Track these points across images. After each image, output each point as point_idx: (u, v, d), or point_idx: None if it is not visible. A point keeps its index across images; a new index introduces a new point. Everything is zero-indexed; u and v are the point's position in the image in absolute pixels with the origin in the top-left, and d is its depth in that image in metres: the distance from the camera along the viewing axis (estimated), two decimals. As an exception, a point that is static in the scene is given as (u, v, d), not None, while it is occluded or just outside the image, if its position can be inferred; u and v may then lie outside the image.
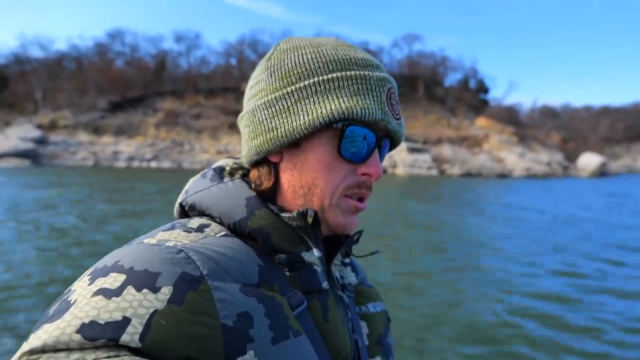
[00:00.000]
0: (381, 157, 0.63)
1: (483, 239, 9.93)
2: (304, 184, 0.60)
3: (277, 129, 0.59)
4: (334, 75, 0.58)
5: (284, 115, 0.59)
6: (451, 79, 72.13)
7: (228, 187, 0.62)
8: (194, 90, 55.20)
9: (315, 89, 0.57)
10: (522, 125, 67.72)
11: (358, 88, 0.58)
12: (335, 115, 0.56)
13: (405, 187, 26.78)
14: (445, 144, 53.10)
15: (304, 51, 0.60)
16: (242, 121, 0.66)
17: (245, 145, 0.64)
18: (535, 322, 5.00)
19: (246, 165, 0.67)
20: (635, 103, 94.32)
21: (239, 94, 55.54)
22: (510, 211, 15.36)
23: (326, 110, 0.56)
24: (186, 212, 0.64)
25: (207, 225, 0.58)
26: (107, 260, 0.48)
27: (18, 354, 0.39)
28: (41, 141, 43.30)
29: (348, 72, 0.58)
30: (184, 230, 0.55)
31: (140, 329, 0.40)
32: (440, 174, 46.54)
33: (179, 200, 0.65)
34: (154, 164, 41.65)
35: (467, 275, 6.88)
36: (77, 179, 22.73)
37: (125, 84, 53.75)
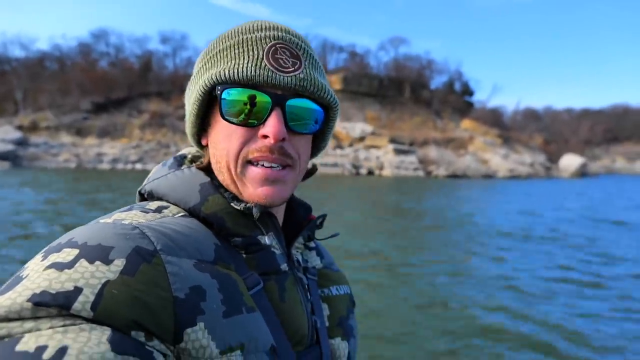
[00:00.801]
0: (305, 120, 0.60)
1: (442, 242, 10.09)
2: (217, 159, 0.62)
3: (186, 113, 0.65)
4: (216, 50, 0.61)
5: (188, 100, 0.64)
6: (437, 82, 73.20)
7: (184, 174, 0.63)
8: (180, 91, 53.84)
9: (204, 68, 0.62)
10: (506, 128, 69.03)
11: (234, 53, 0.58)
12: (207, 83, 0.57)
13: (379, 188, 26.93)
14: (431, 146, 53.68)
15: (211, 42, 0.65)
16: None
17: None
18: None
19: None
20: (614, 106, 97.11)
21: (225, 95, 54.80)
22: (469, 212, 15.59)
23: (201, 81, 0.59)
24: (145, 199, 0.65)
25: (166, 207, 0.59)
26: (62, 238, 0.48)
27: None
28: (21, 143, 42.25)
29: (226, 43, 0.60)
30: (142, 211, 0.56)
31: (92, 298, 0.41)
32: (427, 175, 47.02)
33: (139, 188, 0.67)
34: (139, 166, 41.05)
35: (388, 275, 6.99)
36: (56, 181, 22.26)
37: (110, 85, 52.87)
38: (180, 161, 0.68)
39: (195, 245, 0.53)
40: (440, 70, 73.31)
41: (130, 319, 0.42)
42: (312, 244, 0.77)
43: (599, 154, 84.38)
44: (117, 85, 53.23)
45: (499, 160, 54.29)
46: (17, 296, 0.40)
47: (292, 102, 0.58)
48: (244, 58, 0.57)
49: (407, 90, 64.84)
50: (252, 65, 0.56)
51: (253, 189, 0.60)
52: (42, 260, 0.44)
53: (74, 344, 0.37)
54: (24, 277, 0.43)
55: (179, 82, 56.10)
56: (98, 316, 0.40)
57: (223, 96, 0.57)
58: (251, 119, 0.57)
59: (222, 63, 0.59)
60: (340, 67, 66.66)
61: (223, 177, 0.62)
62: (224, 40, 0.61)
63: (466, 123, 63.85)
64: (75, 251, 0.44)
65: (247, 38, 0.59)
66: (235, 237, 0.59)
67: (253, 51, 0.57)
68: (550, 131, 78.24)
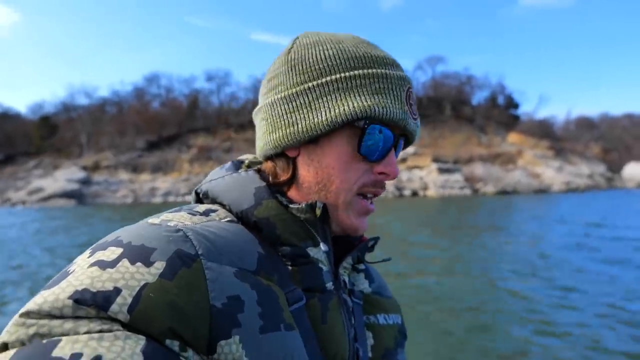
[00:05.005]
0: (396, 155, 0.63)
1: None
2: (320, 180, 0.60)
3: (297, 124, 0.58)
4: (356, 72, 0.57)
5: (304, 111, 0.58)
6: (478, 97, 71.55)
7: (240, 176, 0.62)
8: (225, 125, 57.62)
9: (337, 85, 0.57)
10: (557, 139, 65.37)
11: (379, 87, 0.58)
12: (358, 113, 0.56)
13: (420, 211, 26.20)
14: (477, 162, 51.98)
15: (325, 47, 0.60)
16: (259, 114, 0.65)
17: (262, 138, 0.63)
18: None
19: (260, 158, 0.67)
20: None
21: (267, 125, 57.22)
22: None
23: (348, 108, 0.56)
24: (201, 199, 0.65)
25: (214, 211, 0.58)
26: (110, 236, 0.49)
27: (16, 316, 0.40)
28: (85, 181, 46.22)
29: (369, 70, 0.58)
30: (189, 213, 0.55)
31: (129, 300, 0.41)
32: (474, 193, 45.37)
33: (195, 188, 0.66)
34: (188, 198, 42.64)
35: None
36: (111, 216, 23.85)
37: (161, 124, 57.04)
38: (237, 165, 0.68)
39: (238, 253, 0.52)
40: (481, 85, 71.77)
41: (166, 326, 0.42)
42: (361, 266, 0.73)
43: (669, 160, 77.15)
44: (168, 123, 57.25)
45: (553, 173, 51.38)
46: (60, 292, 0.41)
47: (399, 143, 0.62)
48: (391, 99, 0.58)
49: (447, 108, 63.79)
50: (399, 108, 0.58)
51: (354, 218, 0.61)
52: (89, 257, 0.46)
53: (108, 354, 0.38)
54: (70, 272, 0.44)
55: (223, 117, 59.28)
56: (134, 320, 0.41)
57: (368, 131, 0.57)
58: (376, 156, 0.59)
59: (369, 94, 0.57)
60: (377, 90, 66.93)
61: (317, 197, 0.61)
62: (355, 61, 0.59)
63: (513, 137, 61.42)
64: (119, 250, 0.45)
65: (387, 74, 0.58)
66: (283, 246, 0.57)
67: (396, 92, 0.58)
68: (608, 139, 73.04)
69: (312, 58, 0.59)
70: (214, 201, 0.62)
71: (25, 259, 10.54)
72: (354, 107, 0.56)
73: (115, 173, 50.39)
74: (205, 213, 0.57)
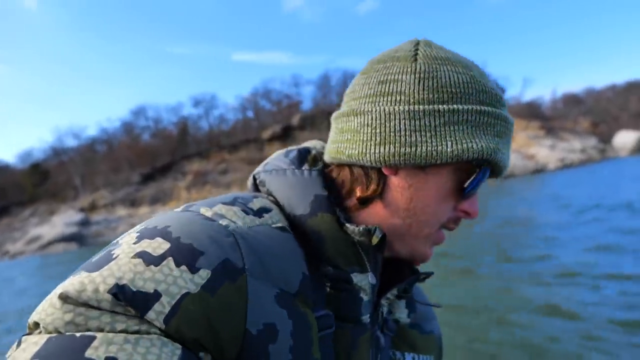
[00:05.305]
0: None
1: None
2: (412, 207, 0.56)
3: (416, 145, 0.52)
4: (485, 109, 0.54)
5: (427, 135, 0.52)
6: (463, 88, 71.73)
7: (303, 176, 0.57)
8: (218, 148, 57.52)
9: (467, 117, 0.53)
10: (546, 118, 66.03)
11: (500, 130, 0.55)
12: (484, 154, 0.52)
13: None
14: (471, 152, 52.17)
15: (457, 69, 0.55)
16: (360, 117, 0.56)
17: (359, 146, 0.55)
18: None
19: (329, 159, 0.61)
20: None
21: (260, 143, 57.61)
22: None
23: (476, 145, 0.52)
24: (257, 186, 0.62)
25: (268, 210, 0.54)
26: (159, 221, 0.47)
27: (53, 296, 0.40)
28: (84, 223, 45.77)
29: (496, 110, 0.55)
30: (243, 210, 0.51)
31: (167, 309, 0.40)
32: (472, 182, 45.36)
33: (255, 171, 0.62)
34: (190, 225, 42.91)
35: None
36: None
37: (154, 155, 56.85)
38: (303, 156, 0.62)
39: (283, 271, 0.48)
40: (463, 75, 72.21)
41: (198, 341, 0.41)
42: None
43: (657, 125, 78.07)
44: (160, 153, 57.11)
45: (547, 152, 51.71)
46: (100, 282, 0.39)
47: None
48: (506, 143, 0.56)
49: (434, 102, 64.02)
50: (508, 157, 0.56)
51: (428, 248, 0.60)
52: (135, 243, 0.44)
53: None
54: (113, 256, 0.42)
55: (215, 140, 59.32)
56: (168, 329, 0.39)
57: (481, 174, 0.54)
58: (469, 195, 0.57)
59: (493, 136, 0.54)
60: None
61: (400, 222, 0.57)
62: (485, 96, 0.55)
63: (502, 122, 61.87)
64: (166, 245, 0.43)
65: (507, 118, 0.56)
66: (328, 266, 0.53)
67: (509, 138, 0.57)
68: (595, 112, 73.91)
69: (445, 78, 0.54)
70: (269, 193, 0.59)
71: (22, 306, 10.32)
72: (482, 146, 0.52)
73: (113, 210, 49.99)
74: (259, 213, 0.53)
